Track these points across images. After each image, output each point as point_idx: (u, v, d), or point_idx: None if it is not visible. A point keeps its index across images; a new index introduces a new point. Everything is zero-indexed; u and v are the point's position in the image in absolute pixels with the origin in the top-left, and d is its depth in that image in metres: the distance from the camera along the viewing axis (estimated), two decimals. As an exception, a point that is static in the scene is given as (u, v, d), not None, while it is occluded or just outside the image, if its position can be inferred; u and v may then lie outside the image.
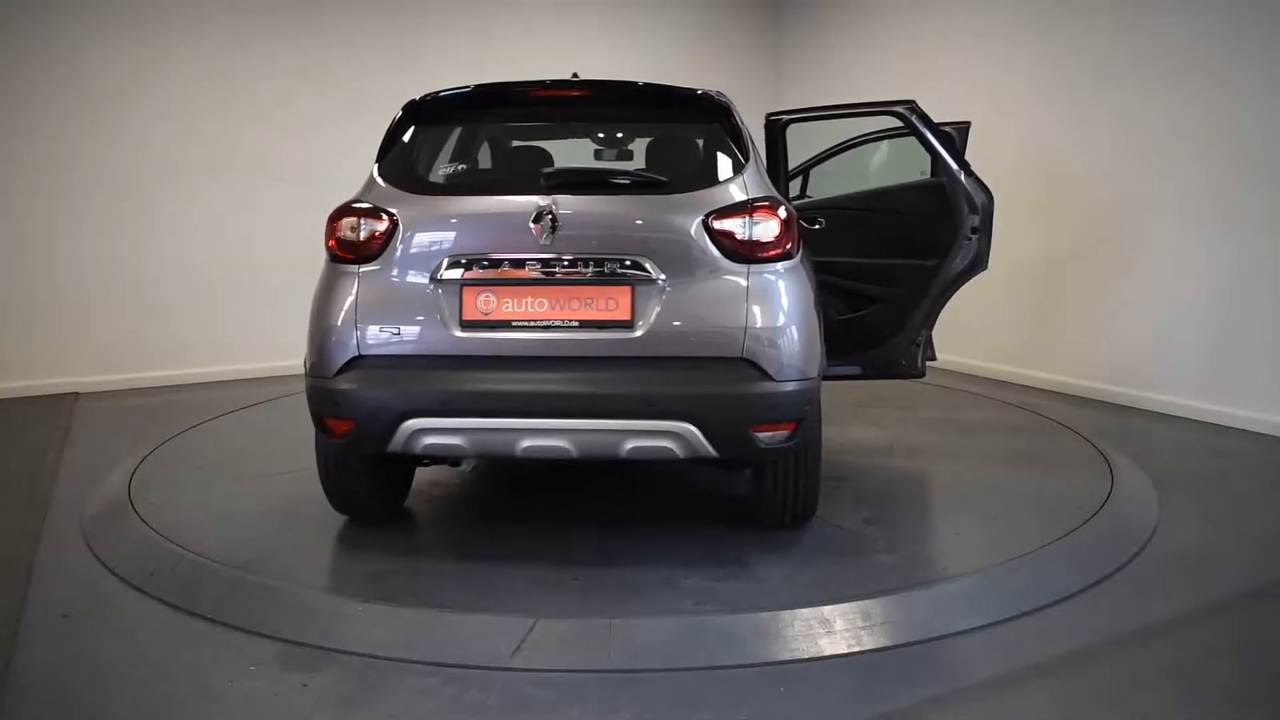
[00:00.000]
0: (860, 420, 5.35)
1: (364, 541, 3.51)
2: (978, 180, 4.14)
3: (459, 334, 3.11)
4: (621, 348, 3.08)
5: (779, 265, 3.15)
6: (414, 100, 3.48)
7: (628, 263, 3.09)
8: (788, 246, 3.17)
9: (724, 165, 3.31)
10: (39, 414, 5.72)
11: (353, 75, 6.81)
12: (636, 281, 3.09)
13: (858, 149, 4.93)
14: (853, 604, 2.92)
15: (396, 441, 3.08)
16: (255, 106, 6.67)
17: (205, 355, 6.69)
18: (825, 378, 4.48)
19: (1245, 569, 3.42)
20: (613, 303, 3.10)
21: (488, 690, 2.53)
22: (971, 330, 6.58)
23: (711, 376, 3.03)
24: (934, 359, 4.83)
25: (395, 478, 3.76)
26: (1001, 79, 6.63)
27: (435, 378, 3.09)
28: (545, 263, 3.09)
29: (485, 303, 3.12)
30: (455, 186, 3.48)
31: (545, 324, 3.11)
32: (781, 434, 3.08)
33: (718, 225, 3.11)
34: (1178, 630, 2.95)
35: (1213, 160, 5.40)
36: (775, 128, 4.35)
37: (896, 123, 4.90)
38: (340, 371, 3.13)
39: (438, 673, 2.61)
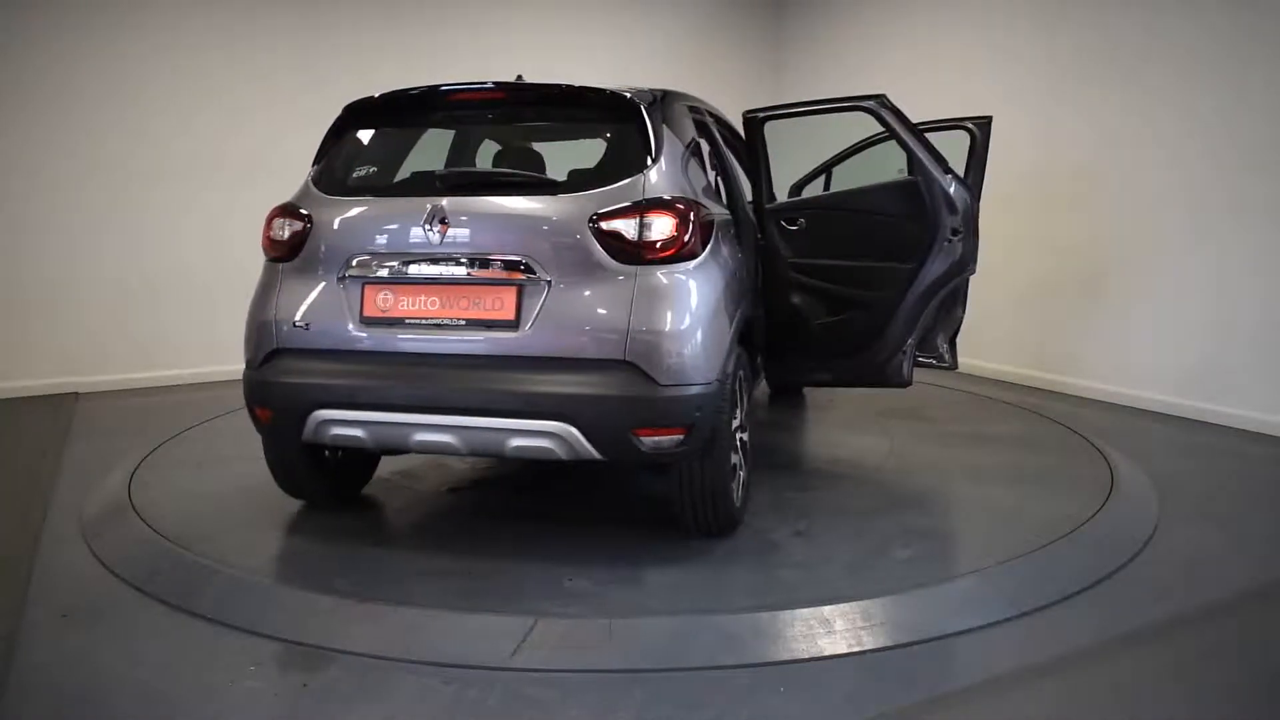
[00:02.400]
0: (871, 430, 5.21)
1: (313, 531, 3.52)
2: (958, 179, 4.01)
3: (360, 330, 3.24)
4: (507, 347, 3.12)
5: (674, 267, 3.11)
6: (351, 103, 3.58)
7: (514, 263, 3.13)
8: (683, 248, 3.12)
9: (624, 165, 3.25)
10: (39, 414, 5.72)
11: (353, 74, 6.80)
12: (523, 282, 3.12)
13: (878, 147, 4.82)
14: (853, 604, 2.92)
15: (308, 431, 3.26)
16: (255, 106, 6.67)
17: (205, 355, 6.69)
18: (800, 383, 4.46)
19: (1245, 569, 3.42)
20: (499, 302, 3.13)
21: (488, 690, 2.53)
22: (971, 331, 6.57)
23: (591, 379, 3.02)
24: (955, 367, 4.69)
25: (343, 465, 3.87)
26: (1003, 76, 6.63)
27: (337, 371, 3.23)
28: (435, 262, 3.18)
29: (384, 300, 3.23)
30: (364, 188, 3.50)
31: (436, 322, 3.18)
32: (669, 439, 3.06)
33: (604, 226, 3.09)
34: (1178, 630, 2.95)
35: (1217, 157, 5.40)
36: (753, 125, 4.27)
37: (925, 118, 4.83)
38: (263, 363, 3.35)
39: (438, 673, 2.61)
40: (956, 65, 7.01)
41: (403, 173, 3.62)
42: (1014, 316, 6.66)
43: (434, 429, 3.14)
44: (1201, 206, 5.50)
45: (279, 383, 3.29)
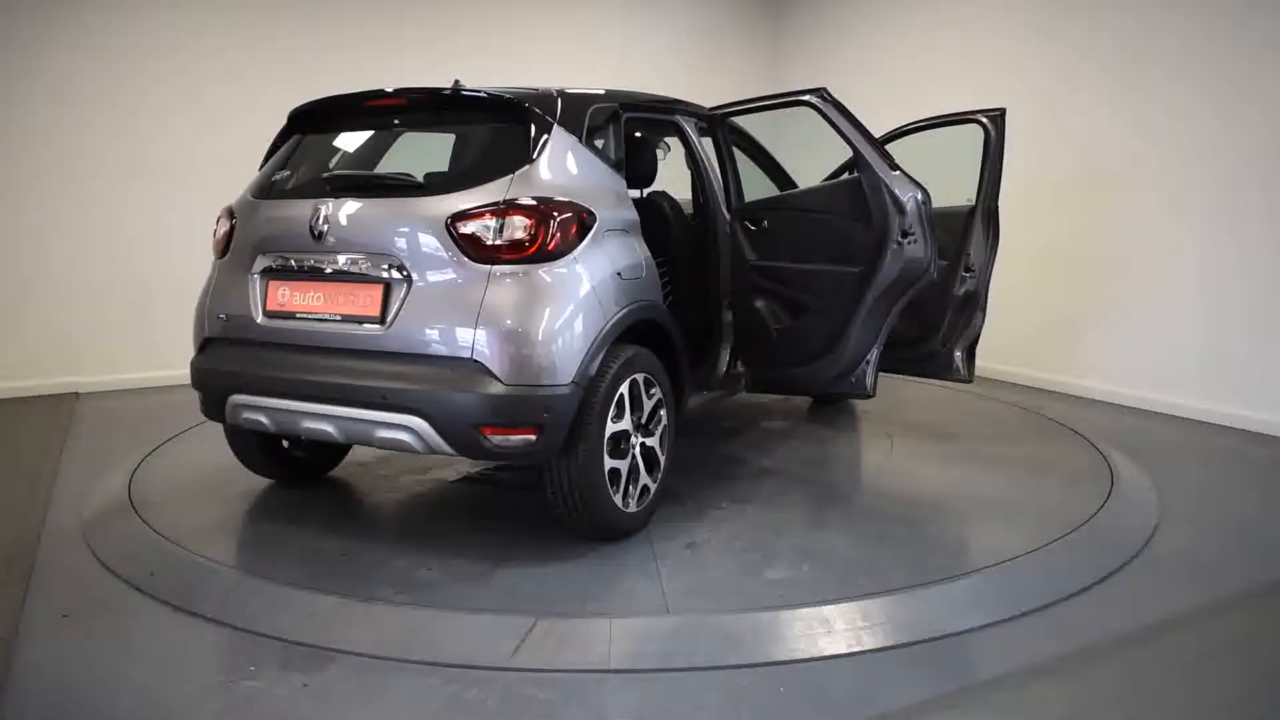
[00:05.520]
0: (878, 441, 5.00)
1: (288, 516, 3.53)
2: (909, 177, 3.79)
3: (264, 322, 3.47)
4: (373, 342, 3.24)
5: (529, 267, 3.13)
6: (291, 110, 3.78)
7: (380, 262, 3.25)
8: (541, 248, 3.14)
9: (496, 167, 3.28)
10: (39, 414, 5.72)
11: (352, 74, 6.80)
12: (388, 280, 3.23)
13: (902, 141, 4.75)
14: (853, 604, 2.92)
15: (227, 414, 3.53)
16: (258, 106, 6.66)
17: (205, 355, 6.68)
18: (770, 391, 4.36)
19: (1245, 569, 3.42)
20: (368, 299, 3.27)
21: (488, 690, 2.53)
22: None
23: (439, 375, 3.10)
24: (970, 379, 4.59)
25: (305, 449, 4.10)
26: (1002, 77, 6.63)
27: (245, 360, 3.48)
28: (319, 261, 3.39)
29: (282, 295, 3.45)
30: (278, 190, 3.68)
31: (319, 316, 3.36)
32: (518, 439, 3.09)
33: (460, 226, 3.14)
34: (1178, 630, 2.95)
35: (1214, 157, 5.41)
36: (713, 123, 4.23)
37: (947, 111, 4.68)
38: (200, 351, 3.67)
39: (438, 673, 2.62)
40: (956, 62, 7.01)
41: (309, 176, 3.73)
42: (1014, 316, 6.65)
43: (316, 417, 3.31)
44: (1200, 207, 5.50)
45: (205, 369, 3.59)
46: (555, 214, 3.19)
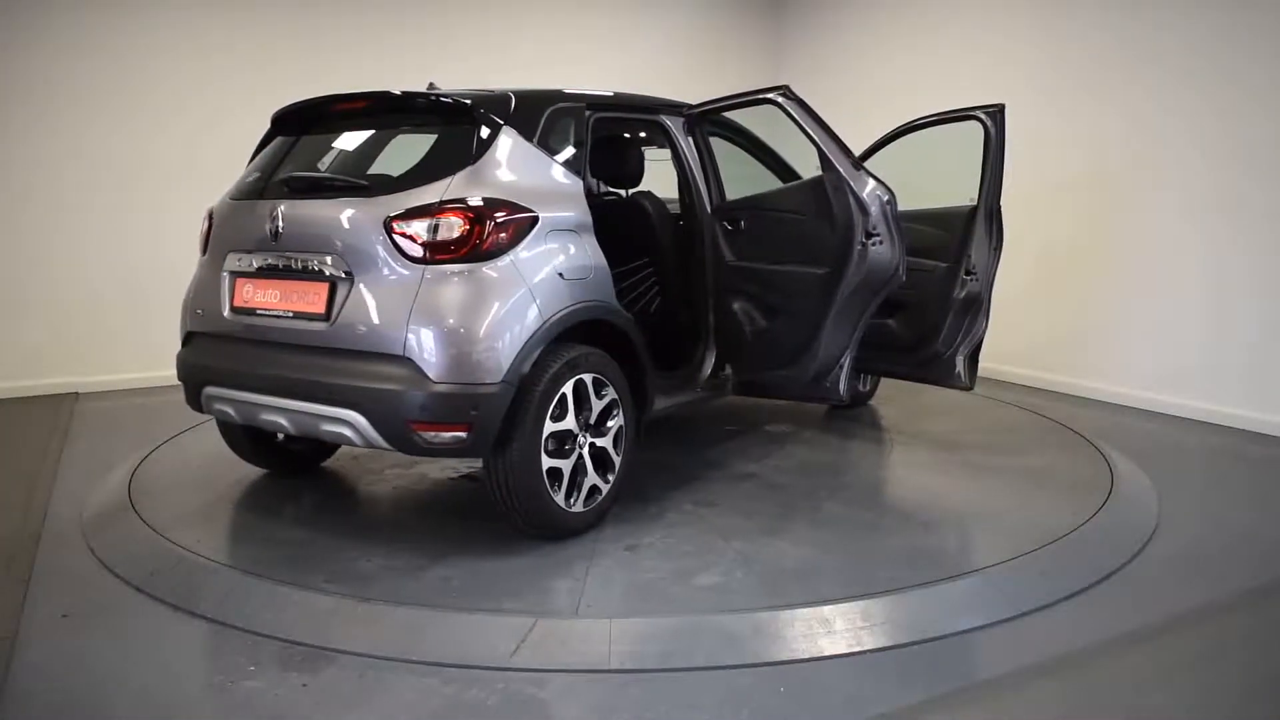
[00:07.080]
0: (879, 444, 5.00)
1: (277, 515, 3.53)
2: (874, 177, 3.75)
3: (230, 317, 3.61)
4: (319, 338, 3.33)
5: (461, 267, 3.17)
6: (275, 112, 3.89)
7: (325, 261, 3.34)
8: (475, 249, 3.17)
9: (440, 168, 3.34)
10: (39, 414, 5.72)
11: (353, 74, 6.80)
12: (332, 278, 3.32)
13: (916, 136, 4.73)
14: (853, 604, 2.92)
15: (203, 404, 3.68)
16: (258, 106, 6.65)
17: (205, 355, 6.67)
18: (752, 394, 4.36)
19: (1245, 569, 3.42)
20: (315, 297, 3.36)
21: (488, 690, 2.53)
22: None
23: (375, 371, 3.17)
24: (970, 387, 4.55)
25: (298, 442, 4.20)
26: (1003, 76, 6.63)
27: (215, 353, 3.65)
28: (274, 260, 3.49)
29: (246, 292, 3.58)
30: (248, 191, 3.78)
31: (275, 313, 3.47)
32: (449, 435, 3.14)
33: (396, 227, 3.20)
34: (1178, 630, 2.95)
35: (1215, 157, 5.40)
36: (690, 123, 4.22)
37: (954, 106, 4.64)
38: (183, 344, 3.84)
39: (438, 673, 2.62)
40: (957, 61, 7.00)
41: (277, 177, 3.77)
42: (1014, 316, 6.65)
43: (271, 410, 3.42)
44: (1201, 207, 5.50)
45: (185, 362, 3.76)
46: (489, 215, 3.22)
